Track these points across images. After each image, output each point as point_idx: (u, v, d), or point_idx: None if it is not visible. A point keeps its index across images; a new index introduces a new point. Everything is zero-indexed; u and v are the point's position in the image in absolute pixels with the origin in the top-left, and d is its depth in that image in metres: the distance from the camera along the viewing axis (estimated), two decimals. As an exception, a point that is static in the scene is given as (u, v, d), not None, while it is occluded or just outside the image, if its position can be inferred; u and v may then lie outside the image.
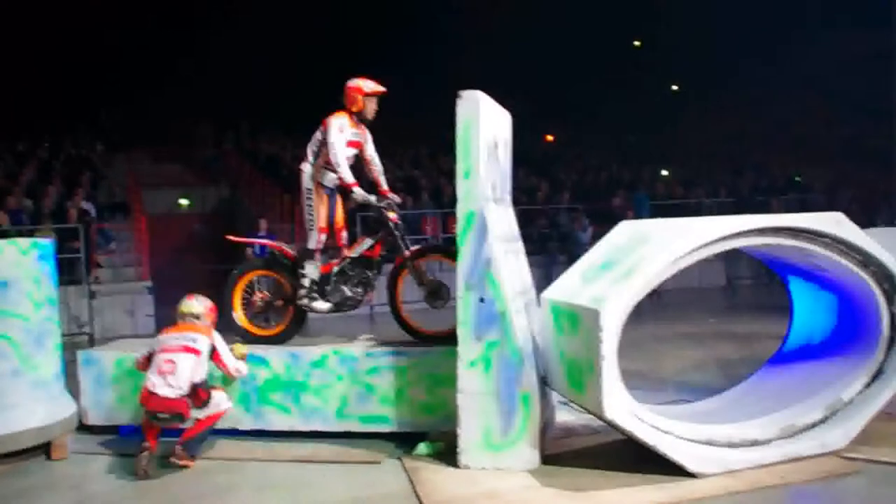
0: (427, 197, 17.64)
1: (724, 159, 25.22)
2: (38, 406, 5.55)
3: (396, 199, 6.05)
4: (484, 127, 5.08)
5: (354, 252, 6.06)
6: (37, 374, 5.59)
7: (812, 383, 5.22)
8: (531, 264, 6.20)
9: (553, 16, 27.32)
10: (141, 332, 11.74)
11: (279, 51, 25.91)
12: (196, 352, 5.34)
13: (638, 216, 14.95)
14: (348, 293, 6.05)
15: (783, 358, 5.85)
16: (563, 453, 5.18)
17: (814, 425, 4.97)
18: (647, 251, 4.89)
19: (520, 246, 5.95)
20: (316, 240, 6.00)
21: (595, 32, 27.77)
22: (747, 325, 10.63)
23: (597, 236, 5.64)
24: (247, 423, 5.84)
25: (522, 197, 17.08)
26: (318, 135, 6.04)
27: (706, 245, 4.84)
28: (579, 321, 4.78)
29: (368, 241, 6.03)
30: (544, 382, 5.16)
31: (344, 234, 6.27)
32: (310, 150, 6.05)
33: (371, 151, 6.20)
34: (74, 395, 6.05)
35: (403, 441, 5.48)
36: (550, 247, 16.33)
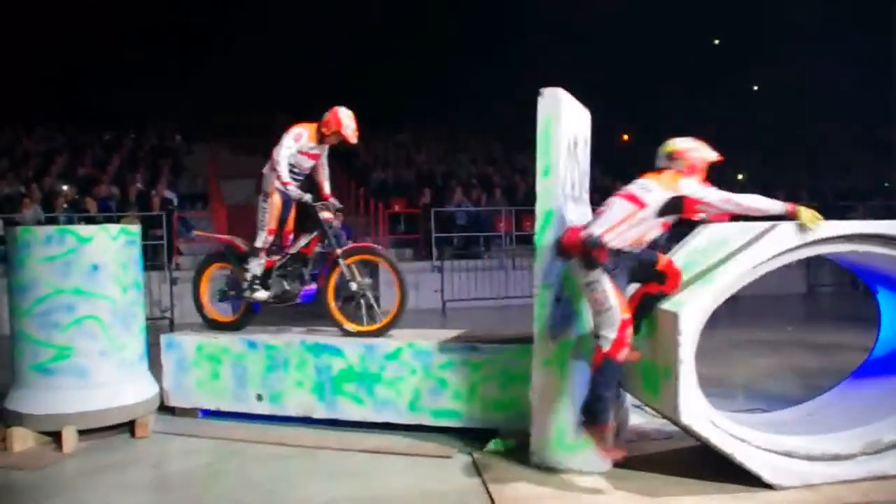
0: (500, 194, 17.62)
1: (805, 162, 24.48)
2: (124, 386, 5.78)
3: (336, 203, 6.47)
4: (564, 124, 5.04)
5: (292, 249, 6.48)
6: (122, 355, 5.81)
7: (900, 398, 5.02)
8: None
9: (632, 13, 26.95)
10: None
11: (355, 44, 26.21)
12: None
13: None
14: (286, 287, 6.47)
15: (869, 370, 5.64)
16: (635, 457, 5.09)
17: (901, 442, 4.78)
18: (727, 256, 4.78)
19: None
20: (263, 240, 6.39)
21: (674, 30, 27.28)
22: (829, 334, 10.30)
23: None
24: (320, 413, 5.96)
25: (597, 196, 16.86)
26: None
27: (789, 251, 4.71)
28: (657, 324, 4.71)
29: (304, 239, 6.44)
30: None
31: (291, 236, 6.55)
32: (273, 157, 6.29)
33: (324, 160, 6.55)
34: (156, 378, 6.28)
35: (475, 437, 5.49)
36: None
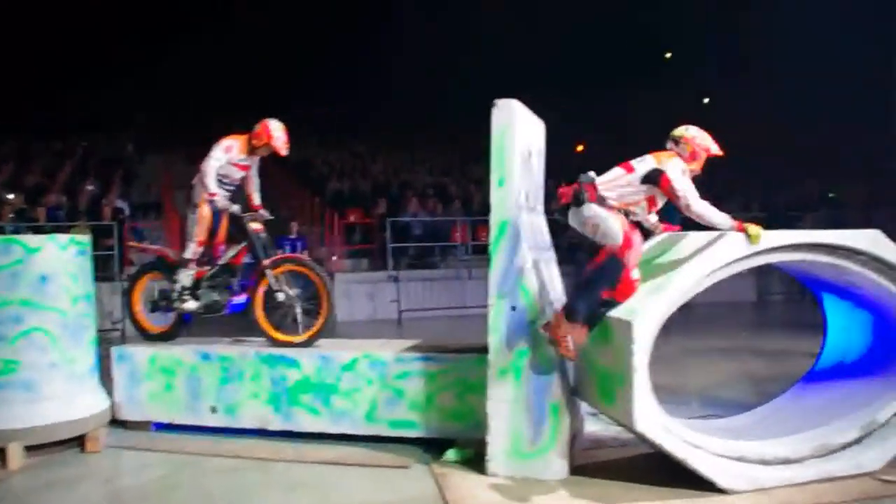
0: (458, 204, 17.68)
1: (756, 173, 24.98)
2: (74, 399, 5.65)
3: (266, 214, 6.49)
4: (519, 135, 5.10)
5: (222, 260, 6.55)
6: (73, 367, 5.69)
7: (847, 403, 5.15)
8: (561, 274, 6.20)
9: (586, 25, 27.30)
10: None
11: (312, 54, 26.12)
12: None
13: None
14: (215, 297, 6.53)
15: (816, 376, 5.78)
16: (591, 464, 5.15)
17: (848, 445, 4.89)
18: (680, 264, 4.86)
19: (551, 255, 5.96)
20: (192, 251, 6.47)
21: (630, 42, 27.73)
22: (779, 341, 10.51)
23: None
24: (276, 424, 5.90)
25: (553, 206, 17.02)
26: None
27: (740, 259, 4.80)
28: (612, 333, 4.77)
29: (233, 250, 6.51)
30: (574, 393, 5.16)
31: (222, 247, 6.64)
32: (202, 168, 6.41)
33: (254, 171, 6.64)
34: (108, 391, 6.15)
35: (431, 447, 5.49)
36: (580, 257, 16.27)
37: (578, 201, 4.84)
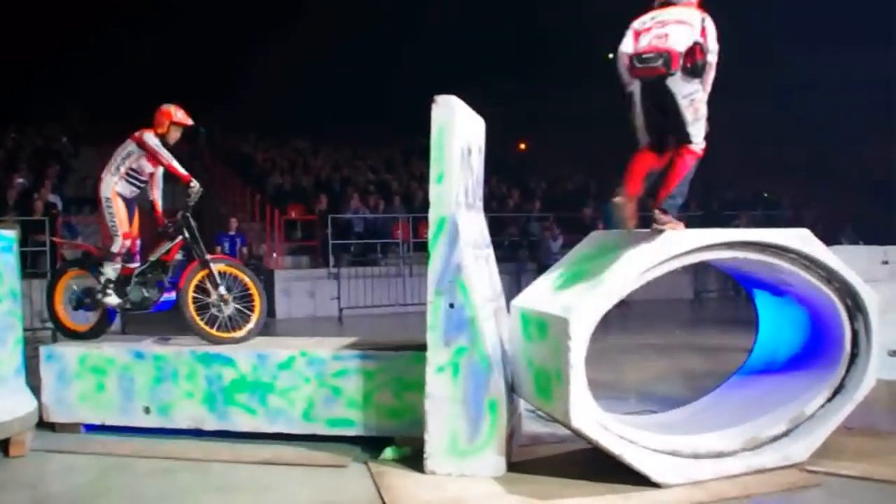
0: (399, 201, 17.64)
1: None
2: (-3, 402, 5.44)
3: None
4: (458, 132, 5.09)
5: (154, 256, 6.47)
6: (-3, 368, 5.48)
7: (776, 397, 5.28)
8: (501, 272, 6.22)
9: (528, 25, 27.46)
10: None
11: (252, 47, 25.75)
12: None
13: (608, 227, 15.06)
14: (146, 294, 6.44)
15: (748, 371, 5.92)
16: (529, 461, 5.19)
17: (777, 438, 5.02)
18: (616, 262, 4.91)
19: (490, 252, 5.97)
20: (120, 244, 6.36)
21: (570, 43, 27.99)
22: (713, 337, 10.75)
23: (566, 246, 5.67)
24: (211, 424, 5.79)
25: (494, 204, 17.15)
26: (124, 148, 6.40)
27: (675, 257, 4.88)
28: (548, 329, 4.79)
29: (167, 245, 6.40)
30: (512, 390, 5.18)
31: (138, 242, 6.58)
32: (112, 162, 6.39)
33: (159, 176, 6.65)
34: (35, 391, 5.95)
35: (369, 445, 5.45)
36: (520, 255, 16.41)
37: (697, 70, 4.86)
